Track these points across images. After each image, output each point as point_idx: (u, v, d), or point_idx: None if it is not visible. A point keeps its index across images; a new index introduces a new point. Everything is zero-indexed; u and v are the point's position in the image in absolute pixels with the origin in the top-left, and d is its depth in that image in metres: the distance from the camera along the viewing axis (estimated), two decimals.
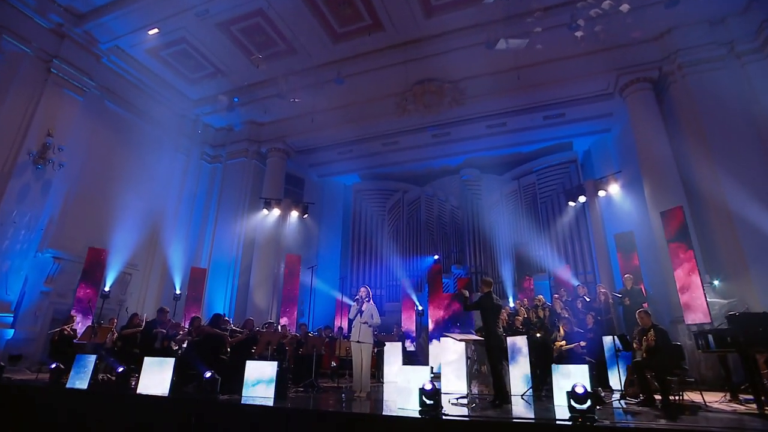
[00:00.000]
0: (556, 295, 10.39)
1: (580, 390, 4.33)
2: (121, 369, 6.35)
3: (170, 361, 6.27)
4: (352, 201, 17.13)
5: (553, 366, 5.89)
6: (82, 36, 11.66)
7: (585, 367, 5.55)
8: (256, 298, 13.14)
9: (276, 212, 13.73)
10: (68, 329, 9.31)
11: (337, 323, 13.31)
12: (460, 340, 6.29)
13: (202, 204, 15.25)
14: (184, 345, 8.80)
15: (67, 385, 6.78)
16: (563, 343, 7.41)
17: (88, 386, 6.66)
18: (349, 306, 14.57)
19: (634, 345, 5.95)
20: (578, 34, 8.51)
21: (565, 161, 14.26)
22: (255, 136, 15.32)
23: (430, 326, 11.58)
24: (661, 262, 9.49)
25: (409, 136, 14.49)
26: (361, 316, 7.05)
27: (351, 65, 12.50)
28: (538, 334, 7.92)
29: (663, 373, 5.59)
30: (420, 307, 13.87)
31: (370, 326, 6.97)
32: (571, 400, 4.35)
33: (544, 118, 12.89)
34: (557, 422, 4.40)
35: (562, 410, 5.20)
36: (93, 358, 6.93)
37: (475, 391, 7.08)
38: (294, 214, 13.97)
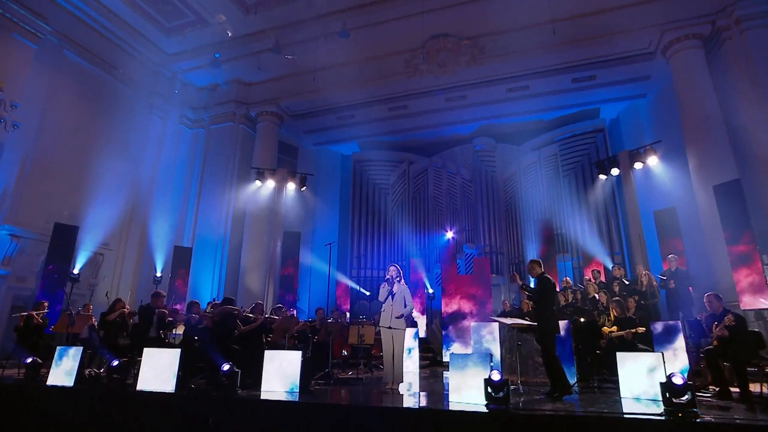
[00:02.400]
0: (589, 277, 10.22)
1: (678, 381, 4.09)
2: (116, 362, 5.86)
3: (175, 353, 5.82)
4: (352, 172, 16.64)
5: (619, 354, 5.66)
6: None
7: (658, 355, 5.33)
8: (248, 281, 12.68)
9: (270, 184, 13.15)
10: (38, 317, 8.72)
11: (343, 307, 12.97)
12: (512, 325, 6.00)
13: (182, 174, 14.53)
14: (175, 333, 8.38)
15: (49, 382, 6.27)
16: (614, 329, 7.20)
17: (74, 383, 6.17)
18: (352, 289, 14.60)
19: (717, 332, 5.74)
20: None
21: (591, 130, 14.01)
22: (243, 98, 14.55)
23: (445, 311, 11.38)
24: (708, 242, 9.36)
25: (420, 100, 13.97)
26: (392, 299, 6.67)
27: (358, 16, 11.85)
28: (582, 319, 7.72)
29: (741, 364, 5.43)
30: (431, 290, 13.65)
31: (402, 316, 6.60)
32: (667, 393, 4.12)
33: (573, 80, 12.52)
34: (649, 417, 4.16)
35: (631, 403, 5.01)
36: (79, 350, 6.42)
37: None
38: (291, 187, 13.40)
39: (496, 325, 8.38)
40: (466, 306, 11.20)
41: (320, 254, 14.87)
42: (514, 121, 15.03)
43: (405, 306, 6.70)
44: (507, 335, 8.23)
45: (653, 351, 6.61)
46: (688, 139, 9.99)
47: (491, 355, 5.13)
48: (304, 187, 13.53)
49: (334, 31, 11.83)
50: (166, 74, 14.45)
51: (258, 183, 13.10)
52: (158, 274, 12.98)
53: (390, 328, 6.57)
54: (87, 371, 6.81)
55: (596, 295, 8.86)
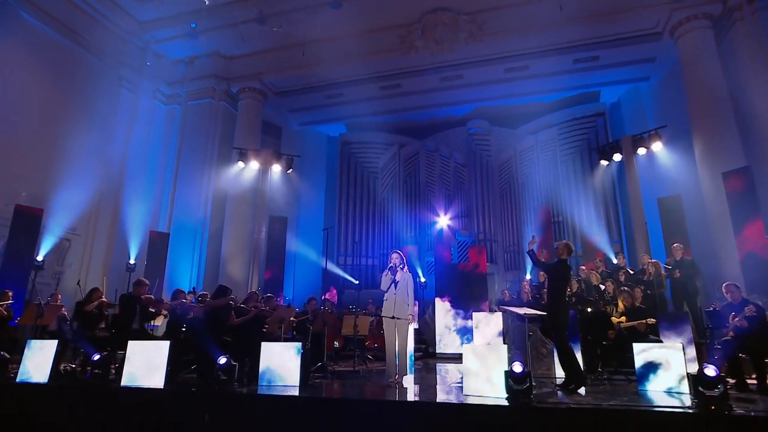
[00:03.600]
0: (589, 266, 10.29)
1: (711, 372, 4.07)
2: (97, 356, 5.57)
3: (164, 345, 5.57)
4: (339, 155, 16.36)
5: (636, 345, 5.66)
6: None
7: (679, 346, 5.34)
8: (230, 269, 12.39)
9: (254, 166, 12.80)
10: (2, 308, 8.27)
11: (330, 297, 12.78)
12: (524, 315, 5.94)
13: (157, 154, 14.03)
14: (153, 324, 8.09)
15: (19, 379, 5.95)
16: (623, 319, 7.24)
17: (49, 379, 5.86)
18: (340, 277, 14.42)
19: (735, 322, 5.78)
20: None
21: (591, 114, 14.04)
22: (223, 72, 14.06)
23: (438, 300, 11.33)
24: (713, 232, 9.49)
25: (413, 79, 13.75)
26: (395, 287, 6.54)
27: None
28: (589, 309, 7.74)
29: (760, 356, 5.49)
30: (423, 279, 13.59)
31: (407, 306, 6.49)
32: (699, 385, 4.10)
33: (575, 61, 12.47)
34: (681, 410, 4.15)
35: (652, 395, 5.01)
36: (53, 343, 6.09)
37: None
38: (276, 169, 13.06)
39: (499, 315, 8.38)
40: (461, 296, 11.17)
41: (306, 240, 14.68)
42: (511, 104, 14.96)
43: (408, 295, 6.60)
44: (511, 325, 8.21)
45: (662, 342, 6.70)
46: (696, 124, 10.06)
47: (508, 346, 5.03)
48: (291, 170, 13.22)
49: (324, 1, 11.46)
50: (137, 44, 13.79)
51: (240, 164, 12.73)
52: (132, 261, 12.53)
53: (394, 318, 6.44)
54: (62, 366, 6.51)
55: (600, 285, 8.93)
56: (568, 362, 5.54)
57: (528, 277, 12.71)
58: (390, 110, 15.33)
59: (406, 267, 6.80)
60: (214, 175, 13.40)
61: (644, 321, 6.86)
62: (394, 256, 6.76)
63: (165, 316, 7.78)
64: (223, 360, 5.05)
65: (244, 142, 13.28)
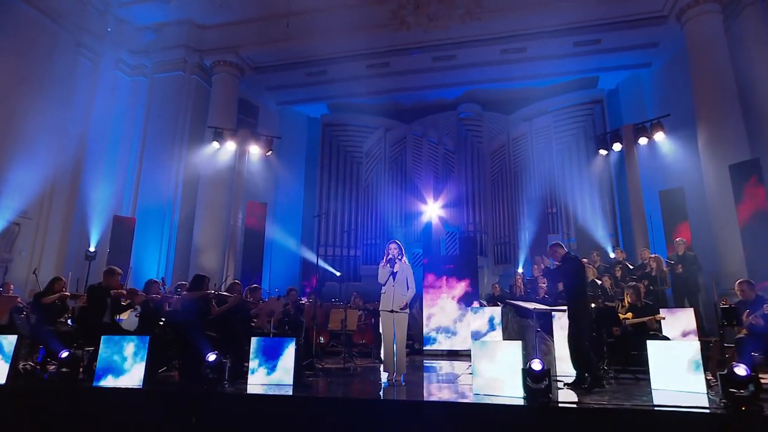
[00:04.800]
0: (585, 260, 10.36)
1: (741, 372, 4.08)
2: (65, 353, 5.24)
3: (142, 340, 5.28)
4: (320, 138, 16.06)
5: (650, 342, 5.68)
6: None
7: (695, 345, 5.36)
8: (203, 257, 12.04)
9: (230, 147, 12.41)
10: None
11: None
12: (533, 310, 5.89)
13: (121, 131, 13.44)
14: (120, 318, 7.74)
15: None
16: (629, 315, 7.29)
17: (7, 379, 5.49)
18: (320, 268, 14.18)
19: (750, 320, 5.86)
20: None
21: (589, 101, 14.13)
22: (196, 43, 13.56)
23: (426, 294, 11.26)
24: (717, 225, 9.66)
25: (403, 57, 13.55)
26: (394, 279, 6.41)
27: None
28: (592, 305, 7.76)
29: None
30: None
31: (407, 306, 6.39)
32: (728, 385, 4.11)
33: (575, 44, 12.48)
34: (707, 411, 4.15)
35: (669, 395, 5.01)
36: (13, 339, 5.71)
37: None
38: (254, 151, 12.69)
39: (497, 310, 8.34)
40: (450, 290, 11.12)
41: (283, 228, 14.40)
42: (505, 87, 14.95)
43: (407, 288, 6.49)
44: (512, 321, 8.19)
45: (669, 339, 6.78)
46: (701, 114, 10.19)
47: (523, 343, 4.97)
48: (270, 152, 12.86)
49: None
50: (96, 6, 13.07)
51: (216, 145, 12.31)
52: (92, 249, 12.01)
53: (393, 312, 6.33)
54: (21, 365, 6.12)
55: (596, 280, 8.99)
56: (583, 362, 5.51)
57: (520, 270, 12.78)
58: (376, 91, 15.08)
59: (404, 258, 6.69)
60: (185, 155, 12.96)
61: (653, 317, 6.91)
62: (392, 246, 6.64)
63: (133, 309, 7.46)
64: (212, 356, 4.81)
65: (219, 120, 12.84)
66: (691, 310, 7.71)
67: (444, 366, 8.60)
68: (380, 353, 9.40)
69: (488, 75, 14.21)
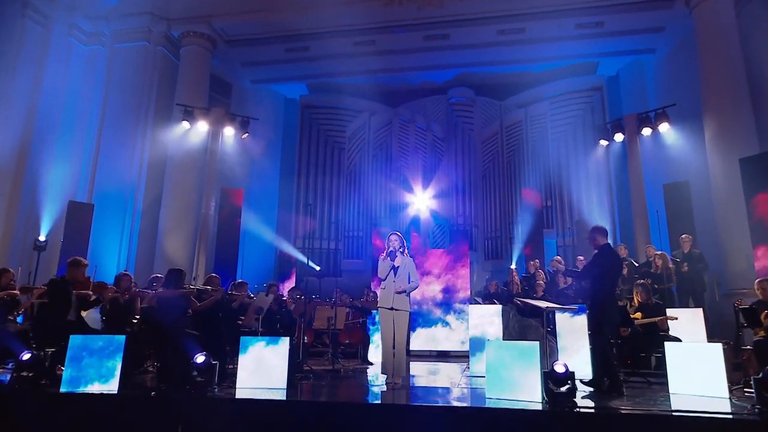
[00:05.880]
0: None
1: None
2: (27, 355, 4.93)
3: (119, 341, 5.02)
4: (299, 121, 15.75)
5: (668, 344, 5.72)
6: None
7: (717, 347, 5.41)
8: (170, 248, 11.68)
9: (202, 127, 11.98)
10: None
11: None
12: (547, 308, 5.86)
13: (75, 105, 12.83)
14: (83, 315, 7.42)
15: None
16: (638, 315, 7.35)
17: None
18: (298, 262, 13.95)
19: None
20: None
21: (588, 88, 14.23)
22: (162, 11, 13.05)
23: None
24: (722, 222, 9.84)
25: (393, 35, 13.33)
26: (395, 274, 6.31)
27: None
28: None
29: None
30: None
31: (404, 291, 6.27)
32: (763, 390, 4.14)
33: (577, 26, 12.51)
34: (746, 416, 4.17)
35: (691, 400, 5.04)
36: None
37: None
38: (229, 132, 12.33)
39: (498, 308, 8.32)
40: (439, 286, 11.09)
41: (257, 217, 14.09)
42: (499, 71, 14.93)
43: (409, 283, 6.39)
44: (513, 319, 8.20)
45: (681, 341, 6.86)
46: (708, 104, 10.32)
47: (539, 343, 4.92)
48: (246, 134, 12.52)
49: None
50: None
51: (186, 124, 11.88)
52: (42, 238, 11.46)
53: (392, 309, 6.23)
54: None
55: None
56: (605, 365, 5.50)
57: (513, 266, 12.80)
58: (361, 71, 14.81)
59: (406, 251, 6.59)
60: (151, 134, 12.52)
61: (665, 317, 6.97)
62: (393, 238, 6.56)
63: (97, 306, 7.14)
64: (201, 358, 4.59)
65: (189, 98, 12.39)
66: (700, 310, 7.85)
67: (437, 368, 8.57)
68: (368, 354, 9.40)
69: (482, 57, 14.14)
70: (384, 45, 13.80)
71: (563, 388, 4.39)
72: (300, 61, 14.42)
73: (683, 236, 9.48)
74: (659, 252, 9.27)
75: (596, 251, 5.76)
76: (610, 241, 11.59)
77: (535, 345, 4.89)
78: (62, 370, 5.53)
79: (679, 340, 6.94)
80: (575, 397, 4.43)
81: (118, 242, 11.98)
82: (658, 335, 7.01)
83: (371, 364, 8.94)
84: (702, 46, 10.60)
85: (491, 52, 13.88)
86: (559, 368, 4.42)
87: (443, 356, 10.39)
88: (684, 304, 9.01)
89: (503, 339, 8.01)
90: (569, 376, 4.40)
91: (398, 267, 6.34)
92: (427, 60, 14.51)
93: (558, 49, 13.49)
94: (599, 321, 5.48)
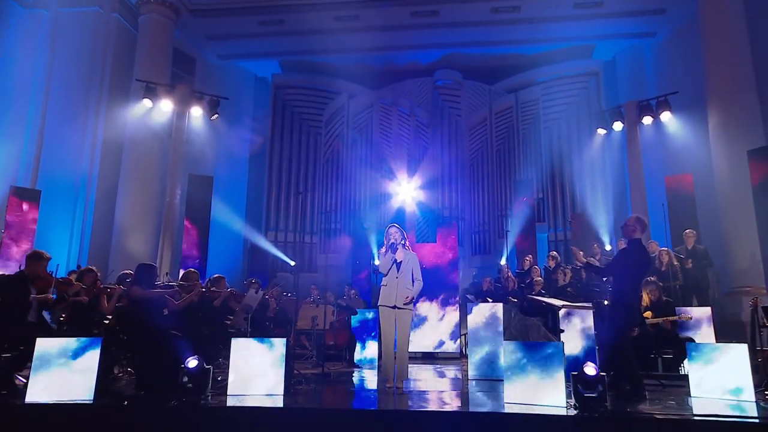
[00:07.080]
0: (582, 253, 10.51)
1: None
2: None
3: (94, 343, 4.76)
4: (271, 102, 15.43)
5: (690, 345, 5.79)
6: None
7: (742, 348, 5.49)
8: (129, 240, 11.31)
9: (166, 107, 11.56)
10: None
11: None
12: (561, 307, 5.86)
13: (14, 77, 12.19)
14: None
15: None
16: (648, 314, 7.44)
17: None
18: (270, 256, 13.67)
19: None
20: None
21: (583, 73, 14.41)
22: None
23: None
24: (725, 216, 10.09)
25: (376, 11, 13.22)
26: (397, 269, 6.20)
27: None
28: (606, 302, 7.90)
29: None
30: (377, 262, 13.34)
31: (412, 301, 6.22)
32: None
33: (575, 5, 12.64)
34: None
35: (708, 403, 5.12)
36: None
37: None
38: (196, 113, 11.94)
39: (498, 307, 8.32)
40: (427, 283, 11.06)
41: (225, 207, 13.76)
42: (489, 53, 15.02)
43: (412, 280, 6.30)
44: (513, 319, 8.20)
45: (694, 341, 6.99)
46: (713, 92, 10.52)
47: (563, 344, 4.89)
48: (216, 115, 12.15)
49: None
50: None
51: (147, 103, 11.42)
52: None
53: (395, 308, 6.14)
54: None
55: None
56: (625, 367, 5.51)
57: (503, 262, 12.86)
58: (339, 48, 14.56)
59: (408, 244, 6.49)
60: (105, 113, 12.08)
61: (680, 316, 7.08)
62: (393, 230, 6.45)
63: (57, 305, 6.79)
64: (193, 362, 4.38)
65: (150, 73, 11.91)
66: (708, 309, 8.03)
67: (429, 370, 8.54)
68: (354, 357, 9.30)
69: (472, 37, 14.20)
70: (368, 20, 13.62)
71: (594, 392, 4.37)
72: (273, 35, 14.19)
73: (687, 231, 9.63)
74: (664, 248, 9.43)
75: (625, 246, 5.73)
76: (606, 238, 12.03)
77: (559, 346, 4.87)
78: (20, 379, 5.27)
79: (692, 340, 7.08)
80: (606, 402, 4.41)
81: (68, 233, 11.58)
82: (671, 336, 7.14)
83: (359, 367, 8.84)
84: (706, 30, 10.80)
85: (482, 31, 13.94)
86: (590, 370, 4.39)
87: (428, 358, 10.38)
88: (688, 303, 9.19)
89: (504, 339, 8.04)
90: (600, 379, 4.38)
91: (401, 262, 6.24)
92: (413, 38, 14.48)
93: (554, 30, 13.62)
94: (624, 321, 5.49)
